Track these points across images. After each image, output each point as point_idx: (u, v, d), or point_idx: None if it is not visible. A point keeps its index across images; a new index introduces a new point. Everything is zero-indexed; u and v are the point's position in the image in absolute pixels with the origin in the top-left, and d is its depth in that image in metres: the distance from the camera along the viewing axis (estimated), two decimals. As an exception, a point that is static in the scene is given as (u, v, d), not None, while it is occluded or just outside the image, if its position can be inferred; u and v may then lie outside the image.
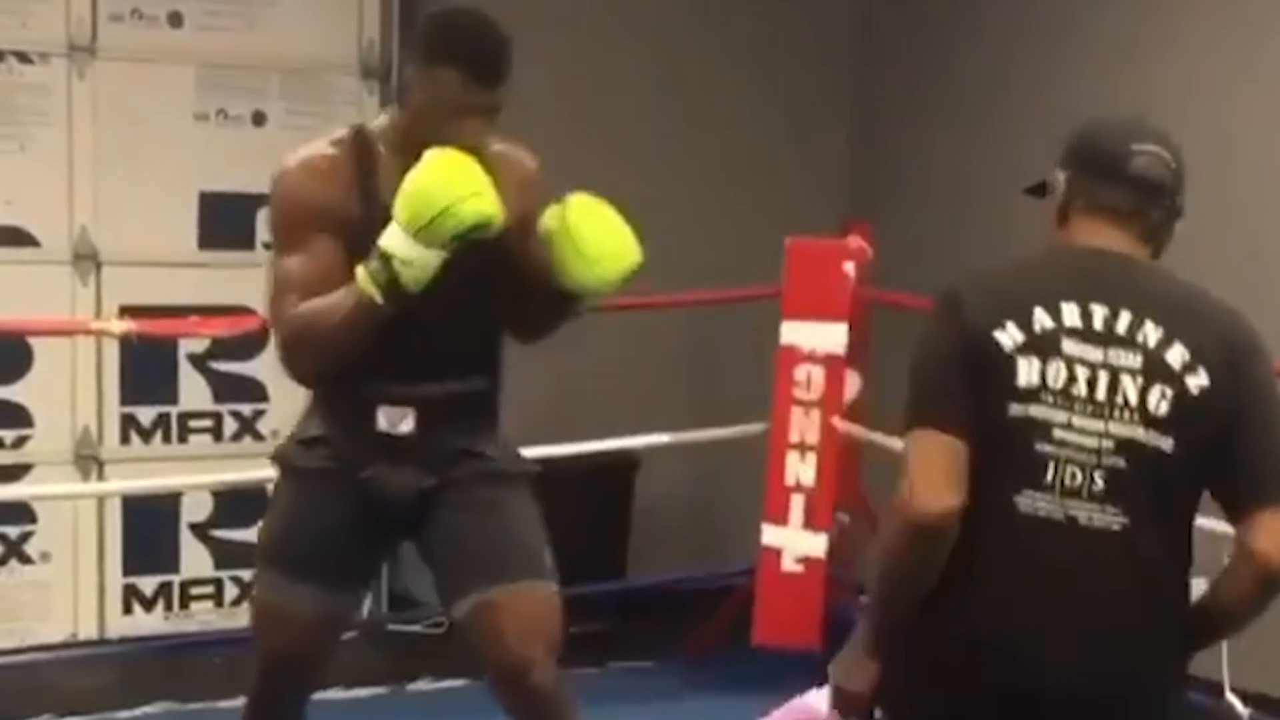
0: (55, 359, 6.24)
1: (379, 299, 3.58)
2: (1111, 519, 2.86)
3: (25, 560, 6.32)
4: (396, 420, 3.81)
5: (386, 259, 3.56)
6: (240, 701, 5.82)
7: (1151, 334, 2.90)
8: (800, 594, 6.01)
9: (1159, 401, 2.87)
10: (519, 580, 3.91)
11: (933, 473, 2.85)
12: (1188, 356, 2.89)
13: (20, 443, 6.23)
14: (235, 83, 6.46)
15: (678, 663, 6.31)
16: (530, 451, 6.14)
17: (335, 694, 6.00)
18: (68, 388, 6.33)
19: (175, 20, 6.33)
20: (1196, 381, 2.88)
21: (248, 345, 6.48)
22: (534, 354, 6.59)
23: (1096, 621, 2.88)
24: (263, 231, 6.58)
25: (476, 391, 3.93)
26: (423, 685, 6.23)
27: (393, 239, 3.56)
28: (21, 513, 6.21)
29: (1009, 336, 2.89)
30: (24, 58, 6.09)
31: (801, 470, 6.06)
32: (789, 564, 6.05)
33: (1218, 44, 6.17)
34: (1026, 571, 2.88)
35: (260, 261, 6.57)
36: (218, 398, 6.60)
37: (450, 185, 3.55)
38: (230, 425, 6.63)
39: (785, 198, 7.19)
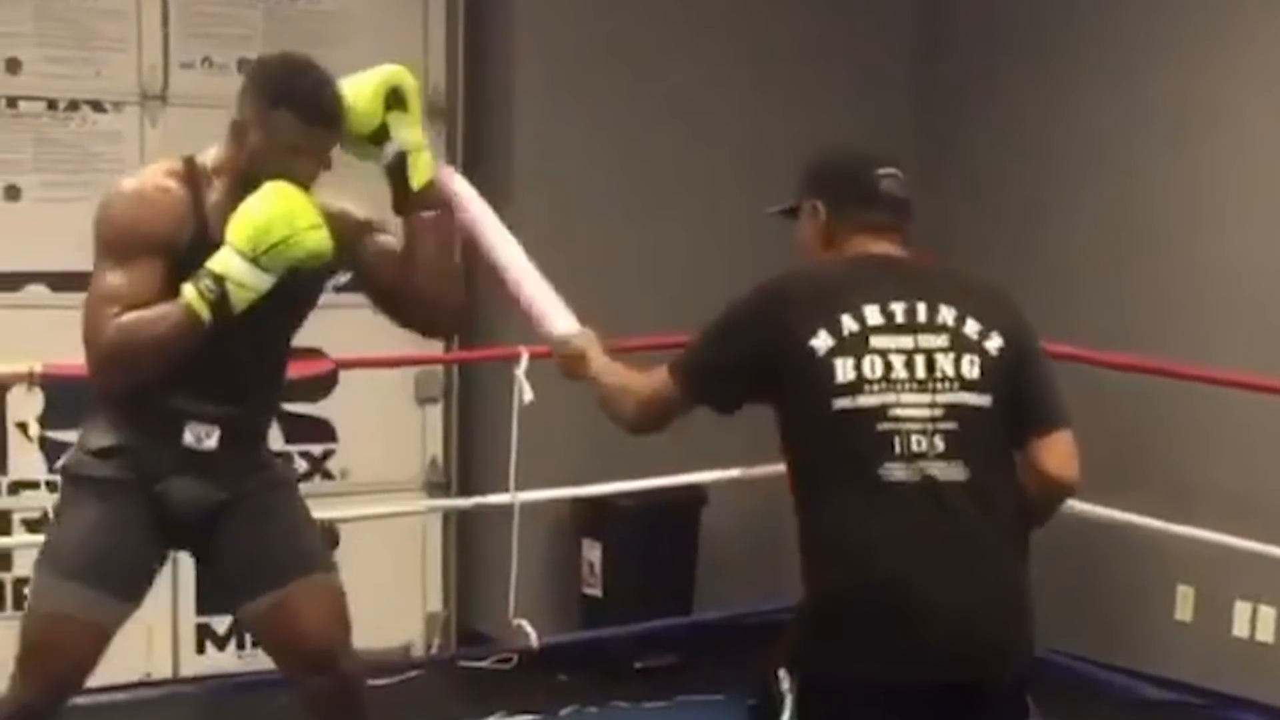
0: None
1: (206, 317, 3.75)
2: (958, 471, 3.32)
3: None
4: (202, 436, 3.95)
5: (219, 280, 3.74)
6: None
7: (949, 315, 3.40)
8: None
9: (970, 368, 3.36)
10: (308, 575, 4.06)
11: (655, 411, 3.63)
12: (981, 327, 3.40)
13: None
14: (304, 127, 6.54)
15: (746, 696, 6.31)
16: (598, 488, 6.27)
17: (408, 730, 6.08)
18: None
19: (245, 67, 6.39)
20: (993, 345, 3.39)
21: (317, 387, 6.56)
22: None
23: (967, 555, 3.33)
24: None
25: (270, 414, 4.17)
26: (493, 721, 6.27)
27: (228, 262, 3.75)
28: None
29: (821, 342, 3.34)
30: (98, 106, 6.18)
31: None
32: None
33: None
34: (902, 526, 3.30)
35: (331, 304, 6.66)
36: (288, 438, 6.66)
37: (291, 217, 3.77)
38: (300, 465, 6.70)
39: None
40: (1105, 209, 6.84)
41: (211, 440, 3.95)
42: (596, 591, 6.80)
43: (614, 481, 6.26)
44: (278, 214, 3.76)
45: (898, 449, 3.31)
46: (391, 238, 4.15)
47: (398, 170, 4.08)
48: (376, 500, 6.61)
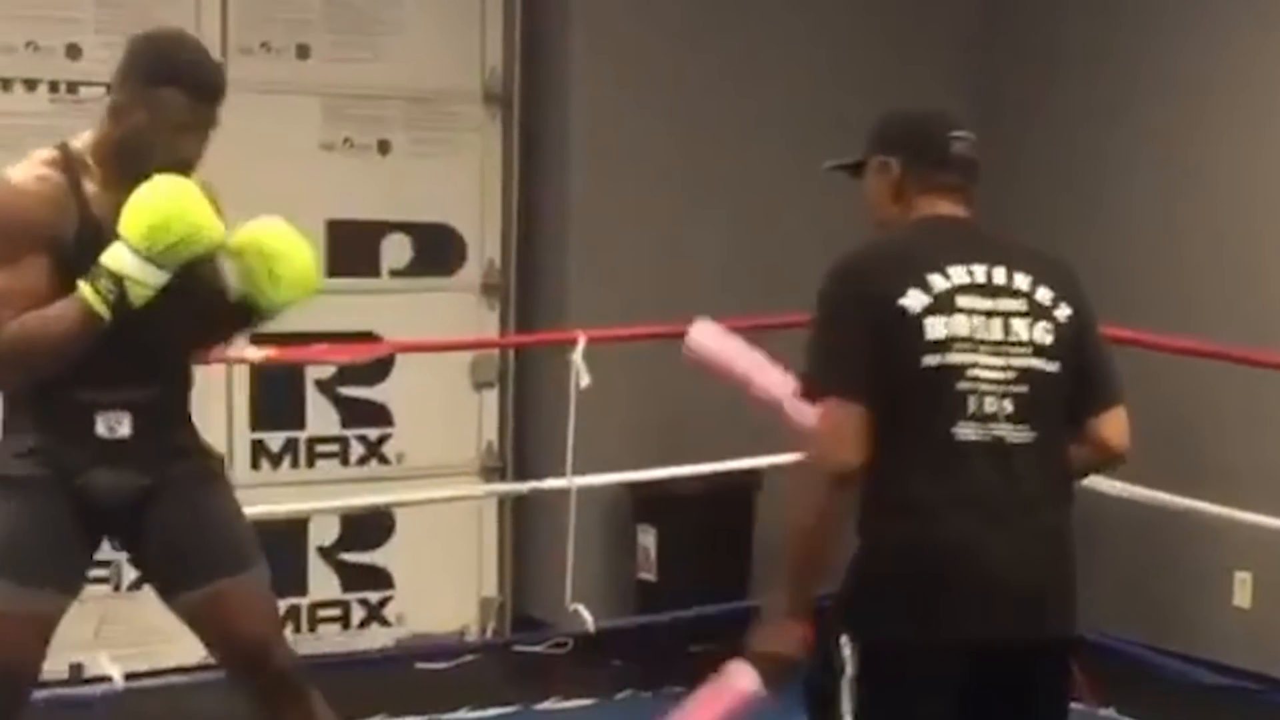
0: (187, 386, 6.34)
1: (106, 315, 3.72)
2: (1024, 434, 3.38)
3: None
4: (114, 425, 3.90)
5: (117, 278, 3.70)
6: (370, 722, 6.00)
7: (1023, 281, 3.44)
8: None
9: (1043, 334, 3.42)
10: (240, 571, 4.02)
11: (842, 436, 3.31)
12: (1052, 294, 3.46)
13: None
14: (361, 112, 6.60)
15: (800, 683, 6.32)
16: (653, 473, 6.27)
17: (463, 714, 6.09)
18: (199, 414, 6.37)
19: (303, 52, 6.46)
20: (1063, 313, 3.45)
21: (373, 370, 6.59)
22: (659, 375, 6.71)
23: (1030, 518, 3.39)
24: (389, 258, 6.70)
25: (180, 393, 4.07)
26: (549, 705, 6.27)
27: (124, 260, 3.70)
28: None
29: (915, 300, 3.36)
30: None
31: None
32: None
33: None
34: (971, 486, 3.34)
35: (386, 289, 6.71)
36: (344, 423, 6.71)
37: (188, 213, 3.71)
38: (357, 450, 6.73)
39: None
40: (1161, 196, 6.82)
41: (124, 428, 3.90)
42: (651, 577, 6.81)
43: (669, 467, 6.26)
44: (175, 211, 3.70)
45: (972, 409, 3.34)
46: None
47: (253, 313, 4.05)
48: (432, 484, 6.63)
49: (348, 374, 6.58)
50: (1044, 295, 3.44)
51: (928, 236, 3.50)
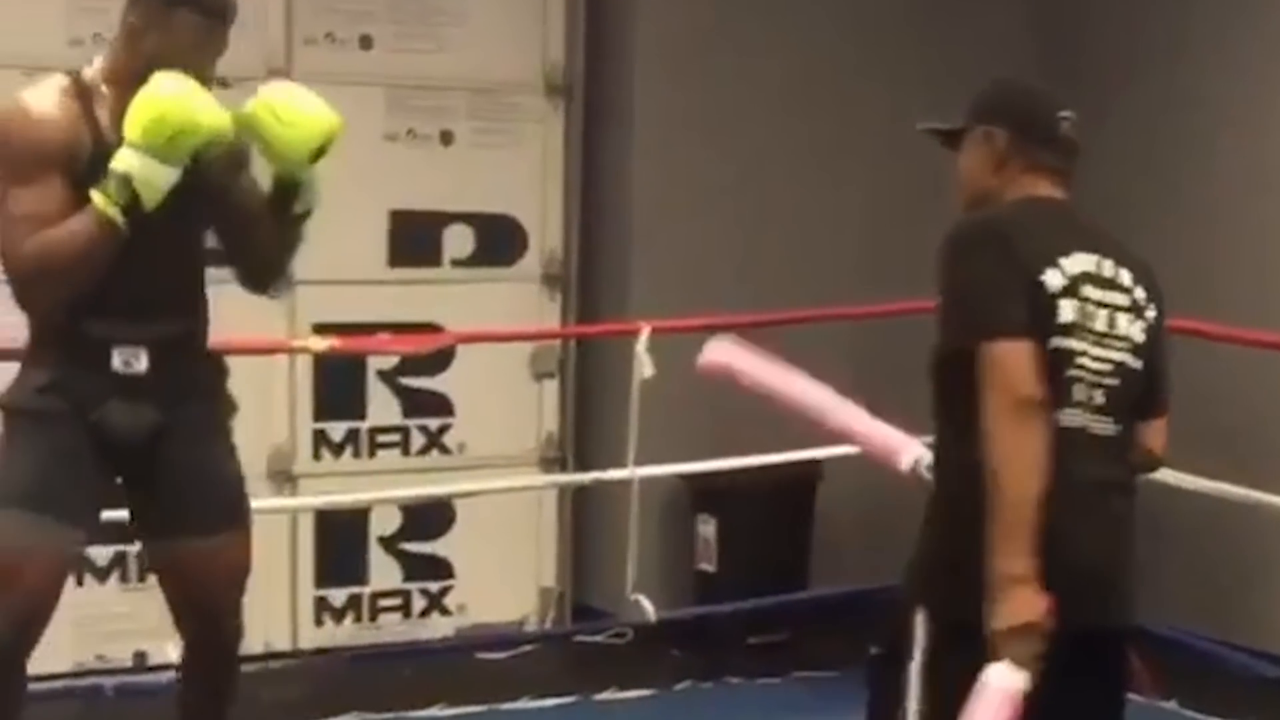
0: (250, 377, 6.29)
1: (119, 220, 3.76)
2: (1109, 427, 3.40)
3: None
4: (130, 359, 3.94)
5: (125, 179, 3.75)
6: (431, 712, 6.01)
7: (1126, 277, 3.44)
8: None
9: (1138, 332, 3.43)
10: (226, 530, 4.12)
11: (1022, 370, 3.25)
12: (1145, 294, 3.47)
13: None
14: (424, 103, 6.61)
15: (861, 673, 6.32)
16: (717, 463, 6.26)
17: (523, 704, 6.11)
18: (262, 405, 6.45)
19: (366, 43, 6.48)
20: (1151, 314, 3.47)
21: (435, 361, 6.61)
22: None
23: (1109, 507, 3.42)
24: (451, 248, 6.72)
25: (195, 330, 4.11)
26: (608, 695, 6.28)
27: (129, 160, 3.76)
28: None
29: (1054, 280, 3.35)
30: (223, 83, 6.18)
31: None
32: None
33: None
34: (1068, 473, 3.29)
35: (448, 279, 6.72)
36: (406, 413, 6.72)
37: (183, 102, 3.77)
38: (418, 440, 6.75)
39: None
40: (1242, 187, 6.76)
41: (140, 363, 3.95)
42: (710, 567, 6.81)
43: (728, 457, 6.26)
44: (171, 101, 3.76)
45: (1076, 397, 3.35)
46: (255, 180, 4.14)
47: (286, 190, 4.05)
48: (492, 475, 6.64)
49: (409, 364, 6.59)
50: (1139, 294, 3.45)
51: (1047, 217, 3.47)
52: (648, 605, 6.01)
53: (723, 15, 6.93)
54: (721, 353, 4.09)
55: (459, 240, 6.73)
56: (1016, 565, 3.21)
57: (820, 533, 6.95)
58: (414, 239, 6.63)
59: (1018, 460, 3.23)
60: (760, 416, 6.73)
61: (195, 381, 4.09)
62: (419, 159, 6.60)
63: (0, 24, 5.96)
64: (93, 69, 3.97)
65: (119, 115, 3.86)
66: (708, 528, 6.82)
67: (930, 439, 3.59)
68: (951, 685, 3.31)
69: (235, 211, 4.08)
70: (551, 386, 6.96)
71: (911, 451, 3.73)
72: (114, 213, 3.77)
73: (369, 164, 6.47)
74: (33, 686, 5.62)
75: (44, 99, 3.91)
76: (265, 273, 4.23)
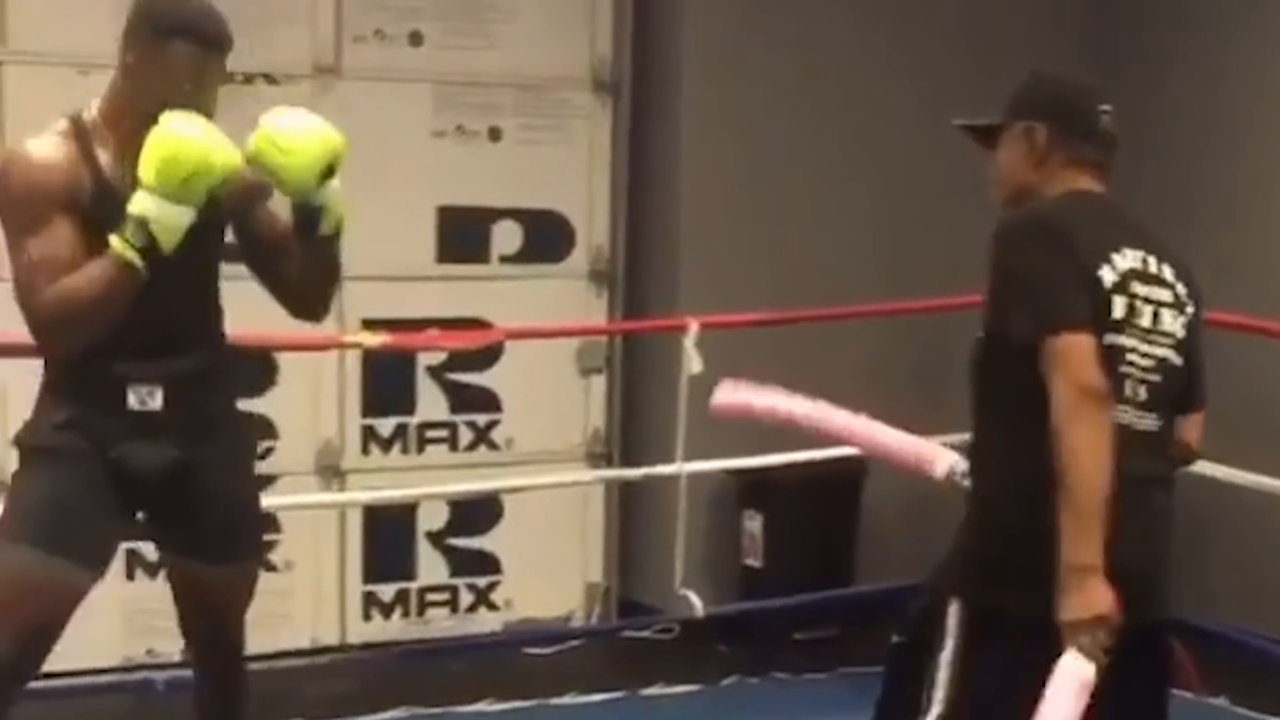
0: (300, 372, 6.40)
1: (139, 263, 3.75)
2: (1152, 422, 3.41)
3: (269, 568, 6.47)
4: (145, 398, 3.93)
5: (142, 223, 3.74)
6: (479, 707, 6.03)
7: (1168, 273, 3.45)
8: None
9: (1180, 328, 3.44)
10: (244, 559, 4.20)
11: (1088, 363, 3.26)
12: (1186, 290, 3.47)
13: (266, 454, 6.39)
14: (472, 99, 6.62)
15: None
16: (763, 459, 6.26)
17: (570, 699, 6.12)
18: (311, 400, 6.50)
19: (415, 39, 6.50)
20: (1191, 310, 3.47)
21: (482, 356, 6.62)
22: (762, 359, 6.69)
23: (1153, 502, 3.44)
24: (499, 244, 6.73)
25: (213, 364, 4.08)
26: (655, 691, 6.29)
27: (145, 203, 3.74)
28: (267, 522, 6.33)
29: (1108, 276, 3.36)
30: (271, 79, 6.26)
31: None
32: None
33: None
34: (1115, 469, 3.27)
35: (496, 275, 6.74)
36: (454, 409, 6.74)
37: (195, 143, 3.73)
38: (465, 435, 6.77)
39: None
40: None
41: (156, 400, 3.94)
42: (756, 563, 6.81)
43: (774, 453, 6.26)
44: (182, 142, 3.73)
45: (1126, 392, 3.36)
46: (276, 210, 4.11)
47: (307, 215, 3.98)
48: (539, 470, 6.66)
49: (457, 360, 6.61)
50: (1181, 290, 3.46)
51: (1095, 213, 3.47)
52: (695, 600, 6.02)
53: (768, 11, 6.92)
54: (734, 393, 4.12)
55: (507, 236, 6.75)
56: (1087, 556, 3.23)
57: (866, 528, 6.95)
58: (462, 235, 6.65)
59: (1087, 452, 3.23)
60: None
61: (214, 414, 4.08)
62: (467, 155, 6.62)
63: (52, 22, 6.00)
64: (91, 110, 3.95)
65: (120, 154, 3.86)
66: (754, 523, 6.82)
67: (953, 437, 3.61)
68: (982, 676, 3.35)
69: (255, 244, 4.07)
70: (598, 382, 6.97)
71: (945, 459, 3.76)
72: (132, 256, 3.74)
73: (417, 160, 6.52)
74: (83, 680, 5.72)
75: (43, 145, 3.88)
76: (306, 301, 4.19)
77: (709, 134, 6.87)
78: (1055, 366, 3.26)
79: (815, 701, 6.24)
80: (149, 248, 3.75)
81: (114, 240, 3.76)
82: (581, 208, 6.86)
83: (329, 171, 3.93)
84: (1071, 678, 3.25)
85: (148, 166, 3.74)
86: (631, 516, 7.09)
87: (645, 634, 6.80)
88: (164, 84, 3.84)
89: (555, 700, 6.13)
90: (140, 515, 4.07)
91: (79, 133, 3.91)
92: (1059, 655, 3.28)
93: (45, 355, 3.96)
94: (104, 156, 3.89)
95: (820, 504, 6.79)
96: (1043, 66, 3.79)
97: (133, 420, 3.93)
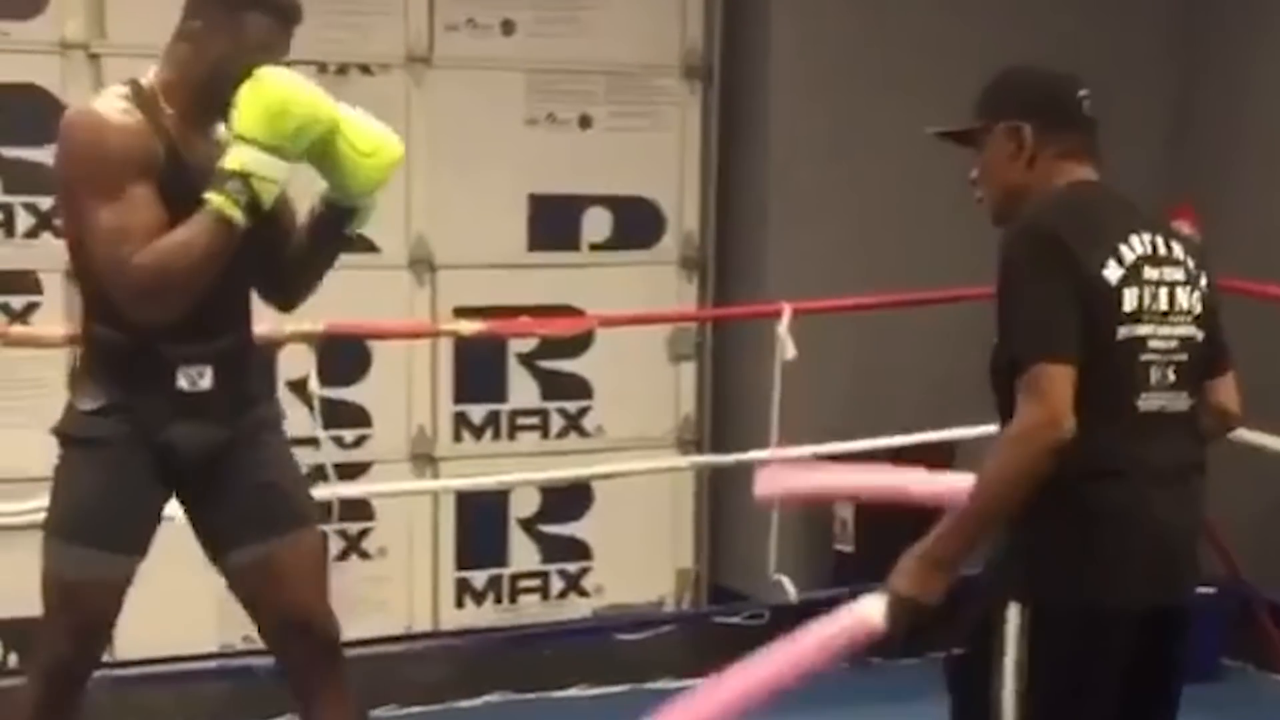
0: (392, 361, 6.45)
1: (241, 220, 3.63)
2: (1183, 402, 3.40)
3: (364, 556, 6.54)
4: (195, 378, 3.83)
5: (245, 178, 3.62)
6: (571, 692, 6.06)
7: (1178, 250, 3.43)
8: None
9: (1196, 303, 3.42)
10: (296, 530, 3.96)
11: (1066, 401, 3.23)
12: (1194, 263, 3.45)
13: (360, 442, 6.46)
14: (563, 87, 6.65)
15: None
16: (854, 444, 6.25)
17: (661, 684, 6.13)
18: (404, 388, 6.54)
19: (507, 28, 6.52)
20: (1203, 282, 3.46)
21: (573, 344, 6.65)
22: (853, 345, 6.69)
23: (1188, 483, 3.43)
24: (590, 232, 6.75)
25: (250, 341, 4.00)
26: (749, 677, 6.27)
27: (245, 156, 3.62)
28: (361, 510, 6.40)
29: (1113, 273, 3.33)
30: (365, 69, 6.30)
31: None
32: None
33: None
34: (1150, 455, 3.33)
35: (586, 262, 6.76)
36: (545, 395, 6.77)
37: (304, 94, 3.66)
38: (557, 422, 6.80)
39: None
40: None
41: (205, 380, 3.84)
42: (848, 548, 6.80)
43: (863, 438, 6.25)
44: (290, 95, 3.64)
45: (1152, 379, 3.35)
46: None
47: (341, 215, 3.90)
48: (630, 457, 6.67)
49: (548, 347, 6.64)
50: (1191, 264, 3.45)
51: (1095, 205, 3.45)
52: (789, 586, 6.02)
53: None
54: (775, 480, 4.22)
55: (597, 223, 6.77)
56: (954, 556, 3.33)
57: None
58: (553, 223, 6.68)
59: (1015, 480, 3.25)
60: (894, 397, 6.79)
61: (250, 392, 3.99)
62: (558, 143, 6.64)
63: (151, 16, 6.02)
64: (148, 77, 3.83)
65: (184, 123, 3.77)
66: (845, 509, 6.81)
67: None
68: (1050, 677, 3.33)
69: (270, 225, 3.86)
70: (689, 369, 6.99)
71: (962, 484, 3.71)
72: (234, 213, 3.62)
73: (509, 149, 6.54)
74: (183, 666, 5.78)
75: (114, 107, 3.74)
76: (293, 293, 4.08)
77: (799, 119, 6.86)
78: (1031, 390, 3.25)
79: (906, 686, 6.20)
80: (253, 203, 3.64)
81: (213, 196, 3.62)
82: (672, 194, 6.87)
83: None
84: (864, 619, 3.42)
85: (250, 119, 3.63)
86: (720, 503, 7.09)
87: (735, 620, 6.80)
88: (233, 54, 3.71)
89: (646, 685, 6.14)
90: (182, 499, 3.96)
91: (143, 100, 3.77)
92: (1124, 641, 3.33)
93: (143, 321, 3.73)
94: (169, 124, 3.77)
95: (911, 489, 6.76)
96: (1017, 64, 3.68)
97: (181, 401, 3.83)
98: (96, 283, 3.75)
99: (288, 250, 3.96)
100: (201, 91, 3.76)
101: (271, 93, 3.64)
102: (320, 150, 3.77)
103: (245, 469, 3.92)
